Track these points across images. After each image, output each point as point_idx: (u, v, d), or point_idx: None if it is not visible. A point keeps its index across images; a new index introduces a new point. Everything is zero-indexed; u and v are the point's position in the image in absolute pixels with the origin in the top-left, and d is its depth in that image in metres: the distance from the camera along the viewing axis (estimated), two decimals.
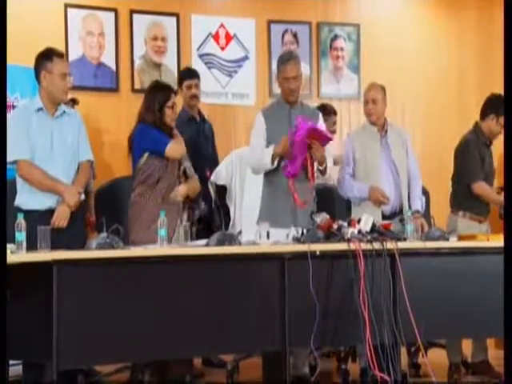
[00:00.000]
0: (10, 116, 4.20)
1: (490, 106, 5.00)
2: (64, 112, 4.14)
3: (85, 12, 5.90)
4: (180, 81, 5.40)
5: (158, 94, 4.36)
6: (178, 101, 5.27)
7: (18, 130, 4.00)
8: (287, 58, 4.42)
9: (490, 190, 5.02)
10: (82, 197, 4.12)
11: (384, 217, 4.53)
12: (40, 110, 4.06)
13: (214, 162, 5.42)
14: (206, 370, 4.93)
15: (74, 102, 5.16)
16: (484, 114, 5.02)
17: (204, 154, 5.28)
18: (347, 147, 4.79)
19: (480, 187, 4.97)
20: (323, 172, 4.36)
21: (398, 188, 4.67)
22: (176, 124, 4.73)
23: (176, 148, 4.34)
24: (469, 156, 5.01)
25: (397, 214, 4.59)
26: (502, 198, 4.92)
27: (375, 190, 4.58)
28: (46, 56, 4.07)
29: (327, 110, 5.65)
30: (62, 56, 4.14)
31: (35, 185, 4.01)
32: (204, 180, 4.89)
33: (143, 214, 4.24)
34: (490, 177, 5.06)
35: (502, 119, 4.87)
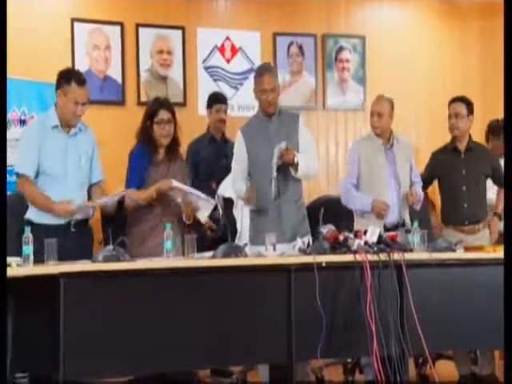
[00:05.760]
0: (26, 128, 4.17)
1: None
2: (80, 130, 4.13)
3: (91, 26, 5.94)
4: (210, 103, 5.52)
5: (148, 109, 4.33)
6: (205, 121, 5.36)
7: (29, 144, 4.01)
8: (264, 70, 4.38)
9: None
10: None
11: (386, 229, 4.50)
12: (55, 127, 4.07)
13: None
14: (213, 380, 4.92)
15: None
16: None
17: (219, 173, 5.27)
18: (352, 157, 4.76)
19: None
20: (296, 170, 4.24)
21: (400, 201, 4.65)
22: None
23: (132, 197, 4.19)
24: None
25: (398, 226, 4.56)
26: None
27: (378, 203, 4.54)
28: (66, 77, 4.01)
29: None
30: (83, 83, 4.02)
31: (29, 201, 4.01)
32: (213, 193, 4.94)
33: (138, 228, 4.21)
34: (455, 183, 4.88)
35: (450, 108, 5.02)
